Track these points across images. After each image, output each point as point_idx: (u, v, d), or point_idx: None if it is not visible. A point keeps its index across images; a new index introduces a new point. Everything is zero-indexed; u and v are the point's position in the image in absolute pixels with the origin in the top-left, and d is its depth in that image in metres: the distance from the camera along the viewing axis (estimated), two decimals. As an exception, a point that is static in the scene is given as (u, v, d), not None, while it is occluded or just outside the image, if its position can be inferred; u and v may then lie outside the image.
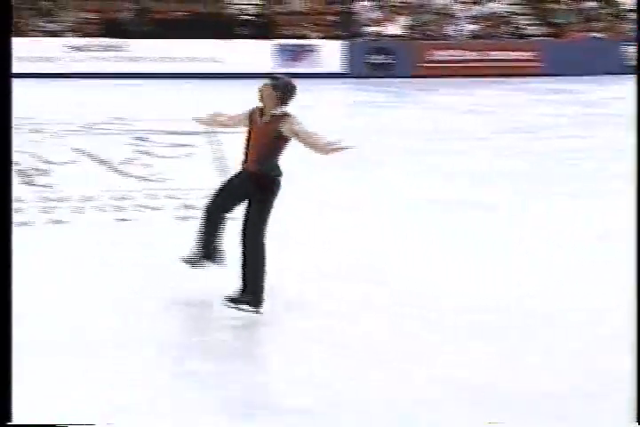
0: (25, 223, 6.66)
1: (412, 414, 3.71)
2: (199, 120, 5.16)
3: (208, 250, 4.82)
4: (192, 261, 4.91)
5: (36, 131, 11.10)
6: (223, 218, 4.77)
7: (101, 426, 3.69)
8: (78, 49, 17.90)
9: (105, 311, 4.86)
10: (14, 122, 11.28)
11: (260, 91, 4.71)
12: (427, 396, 3.85)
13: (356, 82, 17.58)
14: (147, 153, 9.61)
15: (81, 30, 18.61)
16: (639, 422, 3.37)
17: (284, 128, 4.63)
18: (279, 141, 4.67)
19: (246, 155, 4.74)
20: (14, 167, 8.64)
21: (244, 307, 4.66)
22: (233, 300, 4.68)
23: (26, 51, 17.54)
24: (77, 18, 18.90)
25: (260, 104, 4.74)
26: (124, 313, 4.81)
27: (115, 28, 18.39)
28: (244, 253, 4.65)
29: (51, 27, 18.53)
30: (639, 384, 3.43)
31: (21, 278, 5.34)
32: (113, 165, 8.82)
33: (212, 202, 4.79)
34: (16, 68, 15.40)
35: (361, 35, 19.08)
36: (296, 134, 4.62)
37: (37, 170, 8.66)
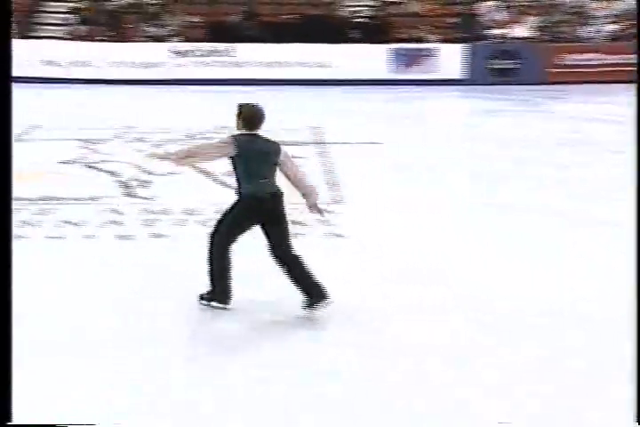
0: (126, 237, 6.89)
1: (465, 415, 4.04)
2: (155, 155, 5.70)
3: (223, 288, 5.28)
4: (207, 299, 5.36)
5: (139, 140, 11.50)
6: (230, 250, 5.29)
7: (101, 426, 3.92)
8: (183, 54, 18.47)
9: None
10: (116, 131, 11.62)
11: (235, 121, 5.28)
12: (480, 397, 4.19)
13: (477, 89, 17.41)
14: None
15: (186, 35, 19.18)
16: (639, 422, 3.65)
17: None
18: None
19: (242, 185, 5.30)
20: (115, 178, 8.97)
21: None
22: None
23: (130, 56, 18.29)
24: (183, 22, 19.50)
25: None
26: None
27: (221, 32, 18.85)
28: (291, 270, 5.22)
29: (156, 31, 19.20)
30: (639, 384, 3.69)
31: (120, 293, 5.54)
32: (217, 176, 9.00)
33: (220, 235, 5.28)
34: (119, 74, 16.09)
35: (483, 37, 18.88)
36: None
37: (139, 181, 8.94)
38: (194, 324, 5.20)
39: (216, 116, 13.57)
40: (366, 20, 19.52)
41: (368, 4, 20.33)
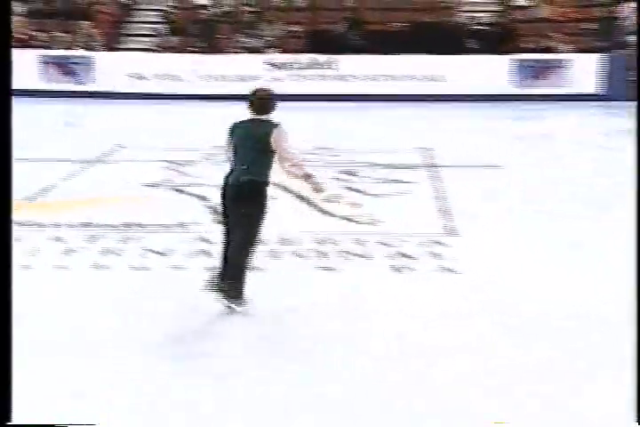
0: (214, 269, 7.01)
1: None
2: (321, 190, 6.19)
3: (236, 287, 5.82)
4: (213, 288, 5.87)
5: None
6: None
7: (102, 426, 4.32)
8: (280, 67, 18.81)
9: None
10: (206, 152, 11.87)
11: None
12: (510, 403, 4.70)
13: (616, 105, 17.09)
14: (355, 190, 9.86)
15: (284, 45, 19.52)
16: (639, 422, 4.03)
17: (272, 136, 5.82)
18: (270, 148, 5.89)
19: (235, 166, 5.91)
20: (205, 203, 9.16)
21: (225, 301, 5.81)
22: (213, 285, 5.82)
23: (223, 69, 18.75)
24: (280, 31, 19.86)
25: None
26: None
27: (322, 43, 19.08)
28: (232, 250, 5.76)
29: (251, 42, 19.63)
30: (639, 384, 4.05)
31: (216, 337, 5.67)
32: (315, 202, 9.07)
33: (227, 230, 5.86)
34: (211, 88, 16.51)
35: (624, 45, 18.45)
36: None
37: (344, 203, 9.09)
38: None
39: (315, 134, 13.73)
40: (486, 28, 19.39)
41: (490, 9, 20.21)
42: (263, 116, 5.82)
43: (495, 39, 18.81)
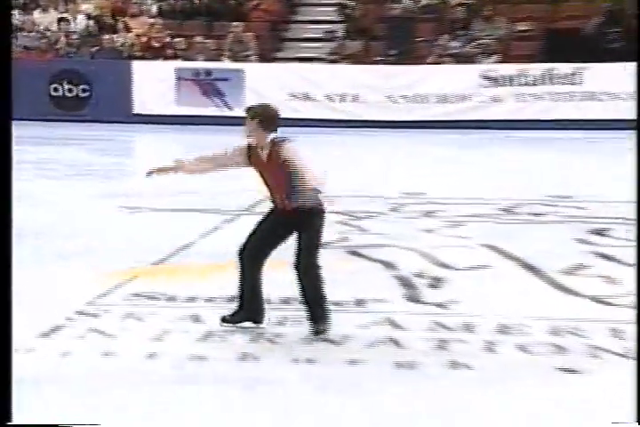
0: (408, 365, 6.90)
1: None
2: (156, 171, 7.58)
3: (252, 306, 7.57)
4: (232, 321, 7.60)
5: (426, 214, 11.74)
6: (262, 266, 7.54)
7: (105, 426, 5.48)
8: (502, 81, 18.70)
9: None
10: (391, 199, 11.97)
11: (245, 127, 7.37)
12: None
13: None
14: (608, 257, 9.74)
15: (508, 51, 19.43)
16: (639, 422, 5.04)
17: (286, 153, 7.32)
18: (291, 167, 7.31)
19: (273, 196, 7.49)
20: (391, 272, 9.13)
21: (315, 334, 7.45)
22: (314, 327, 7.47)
23: (420, 86, 18.79)
24: (505, 32, 19.72)
25: (251, 141, 7.41)
26: None
27: (565, 47, 18.77)
28: (303, 285, 7.46)
29: (462, 48, 19.58)
30: (639, 385, 4.43)
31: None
32: (549, 274, 9.00)
33: (250, 249, 7.49)
34: (403, 112, 16.61)
35: None
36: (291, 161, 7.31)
37: (428, 278, 9.06)
38: None
39: (549, 177, 13.52)
40: None
41: None
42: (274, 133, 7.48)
43: None
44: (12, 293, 4.91)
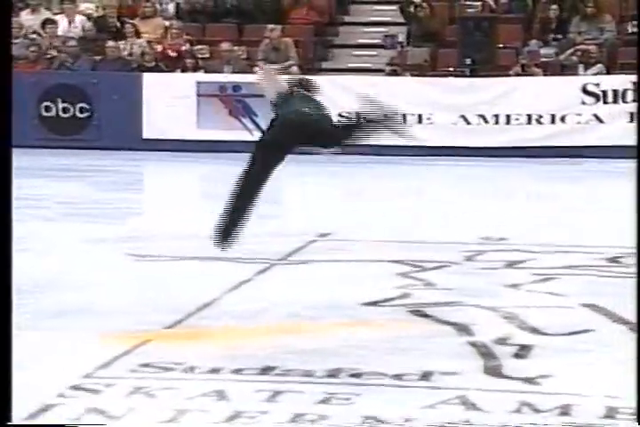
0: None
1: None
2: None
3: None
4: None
5: (510, 265, 11.83)
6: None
7: (111, 426, 6.68)
8: (605, 96, 18.71)
9: None
10: (469, 247, 12.09)
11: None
12: None
13: None
14: None
15: (613, 59, 19.44)
16: (639, 421, 5.38)
17: None
18: None
19: None
20: (466, 338, 9.13)
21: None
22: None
23: (508, 104, 18.83)
24: (618, 32, 19.68)
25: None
26: None
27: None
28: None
29: (557, 56, 19.64)
30: (639, 385, 4.56)
31: None
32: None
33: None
34: (487, 137, 16.47)
35: None
36: None
37: (512, 346, 9.06)
38: None
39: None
40: None
41: None
42: None
43: None
44: (11, 294, 5.86)
